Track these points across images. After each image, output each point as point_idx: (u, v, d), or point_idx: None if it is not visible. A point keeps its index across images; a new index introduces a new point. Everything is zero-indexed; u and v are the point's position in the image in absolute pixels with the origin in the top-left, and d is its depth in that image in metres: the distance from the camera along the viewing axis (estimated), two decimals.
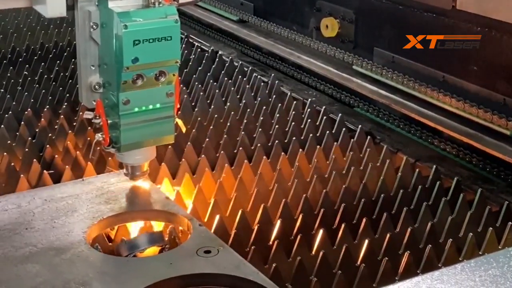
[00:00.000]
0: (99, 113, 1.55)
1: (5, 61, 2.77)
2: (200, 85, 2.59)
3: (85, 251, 1.49)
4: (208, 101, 2.49)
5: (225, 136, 2.21)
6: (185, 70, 2.72)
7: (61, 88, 2.52)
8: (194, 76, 2.67)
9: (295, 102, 2.49)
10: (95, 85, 1.55)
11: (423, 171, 2.07)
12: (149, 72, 1.51)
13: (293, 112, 2.41)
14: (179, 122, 1.68)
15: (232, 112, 2.36)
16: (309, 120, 2.34)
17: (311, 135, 2.23)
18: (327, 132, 2.25)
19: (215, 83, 2.61)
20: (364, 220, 1.79)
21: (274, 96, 2.53)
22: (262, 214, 1.81)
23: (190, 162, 2.05)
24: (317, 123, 2.37)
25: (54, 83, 2.60)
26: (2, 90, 2.52)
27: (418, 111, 2.38)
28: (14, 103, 2.42)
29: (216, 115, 2.34)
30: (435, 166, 2.05)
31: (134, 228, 1.65)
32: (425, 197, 1.92)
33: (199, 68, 2.73)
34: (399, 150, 2.24)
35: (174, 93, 1.57)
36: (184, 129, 1.74)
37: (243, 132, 2.24)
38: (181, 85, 2.57)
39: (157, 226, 1.66)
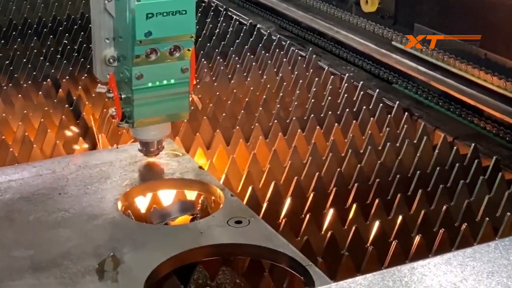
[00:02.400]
0: (111, 87, 1.52)
1: (45, 30, 2.77)
2: (237, 58, 2.57)
3: (117, 217, 1.47)
4: (245, 74, 2.46)
5: (260, 108, 2.19)
6: (223, 43, 2.70)
7: None
8: (231, 48, 2.65)
9: (332, 77, 2.44)
10: (109, 59, 1.52)
11: (462, 149, 2.02)
12: (163, 47, 1.47)
13: (330, 87, 2.37)
14: (195, 98, 1.63)
15: (268, 85, 2.34)
16: (345, 95, 2.30)
17: (347, 110, 2.19)
18: (364, 107, 2.21)
19: (252, 56, 2.58)
20: (398, 196, 1.75)
21: (311, 70, 2.49)
22: (295, 186, 1.78)
23: (225, 133, 2.04)
24: (354, 99, 2.32)
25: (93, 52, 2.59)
26: (42, 58, 2.52)
27: (458, 89, 2.30)
28: (53, 70, 2.42)
29: (252, 88, 2.31)
30: (474, 145, 1.99)
31: (166, 197, 1.63)
32: (462, 175, 1.87)
33: (237, 41, 2.70)
34: (437, 128, 2.18)
35: (190, 68, 1.53)
36: (200, 106, 1.69)
37: (278, 105, 2.22)
38: (219, 58, 2.55)
39: (189, 195, 1.64)
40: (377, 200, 1.72)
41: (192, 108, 1.60)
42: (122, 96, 1.52)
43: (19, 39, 2.67)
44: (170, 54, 1.49)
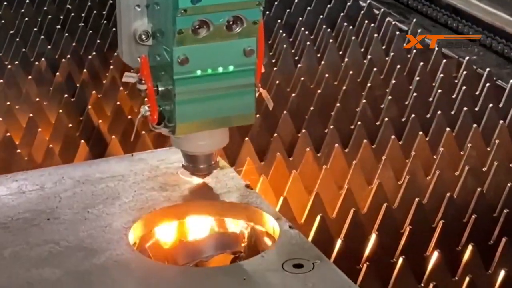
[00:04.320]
0: (143, 75, 1.50)
1: None
2: (307, 32, 2.57)
3: (127, 254, 1.47)
4: (319, 55, 2.46)
5: (338, 104, 2.18)
6: (288, 11, 2.72)
7: (114, 29, 2.52)
8: (300, 19, 2.66)
9: (445, 60, 2.42)
10: (141, 35, 1.50)
11: None
12: (218, 18, 1.45)
13: (441, 75, 2.36)
14: (265, 93, 1.58)
15: (351, 72, 2.34)
16: (463, 88, 2.28)
17: (465, 109, 2.17)
18: (490, 105, 2.18)
19: (328, 30, 2.58)
20: None
21: (414, 51, 2.48)
22: (385, 217, 1.76)
23: (286, 138, 2.04)
24: (477, 93, 2.31)
25: (105, 21, 2.63)
26: (36, 29, 2.56)
27: None
28: (49, 46, 2.47)
29: (327, 75, 2.30)
30: None
31: (199, 227, 1.63)
32: None
33: (308, 8, 2.72)
34: None
35: (256, 50, 1.51)
36: (271, 105, 1.66)
37: (364, 100, 2.20)
38: (281, 31, 2.55)
39: (231, 225, 1.63)
40: (503, 240, 1.69)
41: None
42: (159, 89, 1.50)
43: (5, 3, 2.73)
44: (228, 28, 1.47)
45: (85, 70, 2.32)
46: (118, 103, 2.16)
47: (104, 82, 2.28)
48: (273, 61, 2.43)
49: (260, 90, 1.56)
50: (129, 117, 2.10)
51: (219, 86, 1.50)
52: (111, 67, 2.31)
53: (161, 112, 1.51)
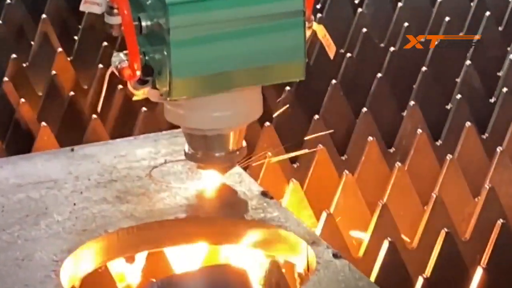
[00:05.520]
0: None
1: None
2: None
3: None
4: None
5: (424, 69, 2.21)
6: None
7: None
8: None
9: None
10: None
11: None
12: None
13: None
14: (322, 31, 1.65)
15: (447, 19, 2.40)
16: None
17: None
18: None
19: None
20: None
21: None
22: (500, 243, 1.75)
23: (335, 123, 2.06)
24: None
25: None
26: None
27: None
28: None
29: (407, 24, 2.36)
30: None
31: (182, 259, 1.64)
32: None
33: None
34: None
35: None
36: (333, 52, 1.69)
37: (469, 62, 2.23)
38: None
39: (237, 255, 1.64)
40: None
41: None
42: (144, 24, 1.54)
43: None
44: None
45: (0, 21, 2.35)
46: (54, 73, 2.18)
47: (32, 42, 2.32)
48: (318, 5, 2.46)
49: (313, 27, 1.60)
50: (71, 93, 2.12)
51: (243, 16, 1.54)
52: (44, 16, 2.35)
53: (147, 62, 1.55)
